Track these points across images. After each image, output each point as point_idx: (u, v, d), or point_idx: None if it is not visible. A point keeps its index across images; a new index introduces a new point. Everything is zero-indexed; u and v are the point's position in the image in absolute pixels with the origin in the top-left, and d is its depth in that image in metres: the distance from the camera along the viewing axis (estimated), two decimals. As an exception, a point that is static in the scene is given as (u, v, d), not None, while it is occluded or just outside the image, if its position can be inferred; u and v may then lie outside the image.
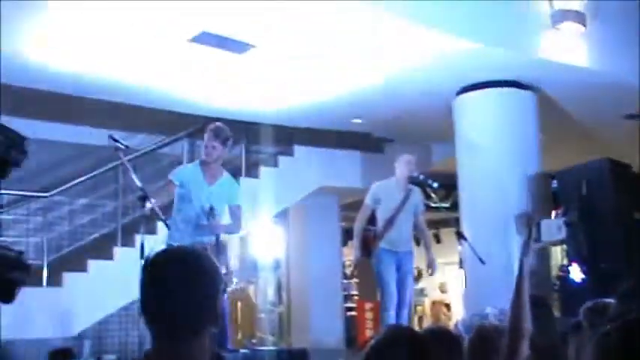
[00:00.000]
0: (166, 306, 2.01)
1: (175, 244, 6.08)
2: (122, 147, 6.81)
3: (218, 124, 6.60)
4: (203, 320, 2.05)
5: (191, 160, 11.08)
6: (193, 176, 6.53)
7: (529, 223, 3.18)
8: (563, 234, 2.78)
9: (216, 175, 6.57)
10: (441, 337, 3.34)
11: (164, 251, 2.18)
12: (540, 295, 4.74)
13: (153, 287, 2.06)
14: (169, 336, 2.02)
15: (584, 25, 8.25)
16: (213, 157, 6.47)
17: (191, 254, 2.13)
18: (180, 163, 10.64)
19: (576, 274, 7.93)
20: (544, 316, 4.03)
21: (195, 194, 6.44)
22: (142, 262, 2.13)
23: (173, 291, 2.01)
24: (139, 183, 6.60)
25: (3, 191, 8.91)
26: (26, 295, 8.16)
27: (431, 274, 8.16)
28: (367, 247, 7.78)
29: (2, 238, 8.78)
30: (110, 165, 9.84)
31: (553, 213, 8.53)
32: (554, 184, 8.59)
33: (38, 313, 8.24)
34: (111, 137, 6.78)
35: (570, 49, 8.37)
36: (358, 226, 7.78)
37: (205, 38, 7.51)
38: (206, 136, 6.49)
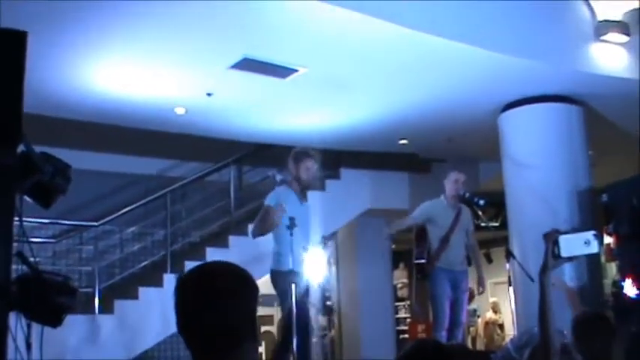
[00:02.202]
0: (205, 320, 2.01)
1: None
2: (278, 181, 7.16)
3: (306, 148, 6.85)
4: (241, 333, 2.04)
5: (238, 186, 11.19)
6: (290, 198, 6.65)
7: (549, 239, 3.12)
8: (594, 248, 2.72)
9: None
10: (468, 353, 3.33)
11: (199, 267, 2.16)
12: (597, 311, 4.67)
13: (191, 302, 2.04)
14: (208, 350, 2.01)
15: (628, 35, 8.16)
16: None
17: (228, 269, 2.12)
18: (227, 190, 10.75)
19: (630, 289, 7.79)
20: (604, 331, 3.98)
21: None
22: (177, 281, 2.11)
23: (208, 304, 2.01)
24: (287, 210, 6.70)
25: (55, 221, 9.08)
26: (79, 322, 8.34)
27: (481, 293, 8.09)
28: (422, 269, 7.74)
29: (56, 267, 8.94)
30: (158, 193, 9.99)
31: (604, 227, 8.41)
32: (605, 198, 8.45)
33: (90, 339, 8.35)
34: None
35: (615, 60, 8.28)
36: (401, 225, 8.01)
37: (247, 64, 7.56)
38: (309, 160, 6.70)
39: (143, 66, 7.69)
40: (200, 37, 6.96)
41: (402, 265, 16.34)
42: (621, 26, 8.13)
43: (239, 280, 2.09)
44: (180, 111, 8.95)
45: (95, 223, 9.49)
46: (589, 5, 8.21)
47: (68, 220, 9.30)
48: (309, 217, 6.77)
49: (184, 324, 2.05)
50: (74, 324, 7.80)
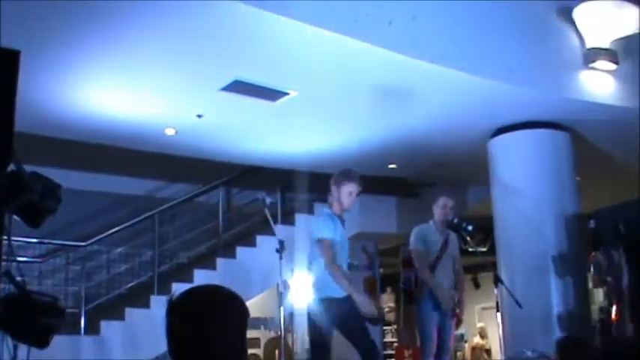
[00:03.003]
0: (195, 346, 2.00)
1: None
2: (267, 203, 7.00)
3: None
4: (230, 357, 2.04)
5: (227, 208, 11.18)
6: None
7: None
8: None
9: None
10: None
11: (190, 291, 2.16)
12: (577, 336, 4.71)
13: (181, 328, 2.04)
14: None
15: (617, 63, 8.23)
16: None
17: (219, 294, 2.12)
18: (216, 211, 10.74)
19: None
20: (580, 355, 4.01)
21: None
22: (168, 304, 2.10)
23: (198, 327, 2.01)
24: (277, 233, 6.74)
25: (43, 240, 9.05)
26: (64, 343, 8.26)
27: (458, 317, 7.96)
28: (410, 294, 7.69)
29: (42, 287, 8.89)
30: (147, 214, 9.97)
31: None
32: (592, 224, 8.48)
33: (76, 361, 8.30)
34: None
35: (603, 88, 8.34)
36: (425, 273, 7.26)
37: (237, 86, 7.58)
38: (352, 184, 6.36)
39: (134, 87, 7.69)
40: (191, 59, 6.97)
41: (389, 290, 16.31)
42: (610, 54, 8.20)
43: (230, 306, 2.09)
44: (170, 132, 8.95)
45: (83, 243, 9.47)
46: (578, 33, 8.28)
47: (56, 239, 9.27)
48: (347, 239, 6.51)
49: (174, 348, 2.04)
50: (59, 345, 7.72)
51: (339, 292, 6.16)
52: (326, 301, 6.22)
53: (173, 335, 2.05)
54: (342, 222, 6.43)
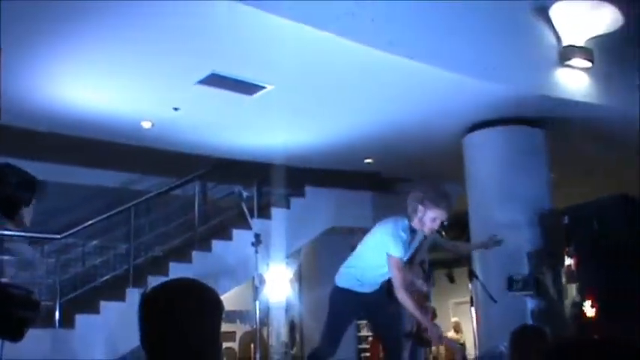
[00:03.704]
0: (169, 340, 2.00)
1: None
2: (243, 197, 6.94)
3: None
4: (204, 354, 2.03)
5: (203, 201, 11.16)
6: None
7: None
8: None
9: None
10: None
11: (165, 285, 2.16)
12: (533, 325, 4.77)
13: (155, 322, 2.04)
14: None
15: (592, 61, 8.30)
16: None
17: (194, 287, 2.12)
18: (192, 205, 10.71)
19: (590, 310, 7.88)
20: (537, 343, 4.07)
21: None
22: (141, 297, 2.09)
23: (173, 321, 2.01)
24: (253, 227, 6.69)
25: (17, 233, 8.97)
26: (39, 336, 8.21)
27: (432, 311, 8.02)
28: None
29: (16, 280, 8.82)
30: (123, 207, 9.92)
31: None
32: (565, 220, 8.54)
33: (50, 355, 8.24)
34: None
35: (578, 85, 8.41)
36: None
37: (214, 80, 7.57)
38: (440, 211, 5.72)
39: (111, 80, 7.65)
40: (169, 51, 6.95)
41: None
42: (585, 52, 8.27)
43: (205, 300, 2.09)
44: (146, 125, 8.92)
45: (58, 236, 9.40)
46: (555, 30, 8.33)
47: (30, 231, 9.19)
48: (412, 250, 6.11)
49: (148, 342, 2.04)
50: (33, 338, 7.64)
51: (364, 288, 6.12)
52: (346, 291, 6.13)
53: (146, 329, 2.04)
54: (414, 236, 5.96)
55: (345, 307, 6.18)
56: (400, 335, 6.60)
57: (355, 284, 6.11)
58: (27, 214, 3.52)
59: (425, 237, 7.05)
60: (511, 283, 8.36)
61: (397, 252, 5.75)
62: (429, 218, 5.73)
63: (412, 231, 5.87)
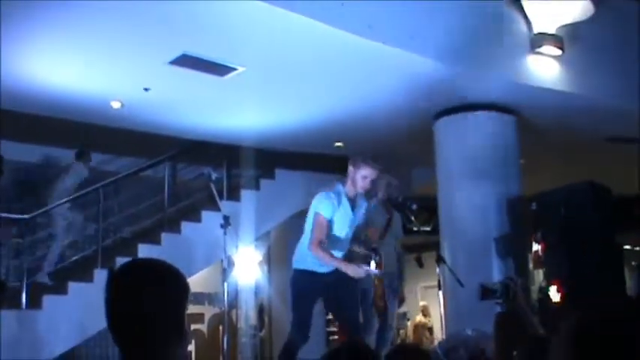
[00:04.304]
0: (133, 317, 2.01)
1: None
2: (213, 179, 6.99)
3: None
4: (169, 332, 2.04)
5: (172, 183, 11.12)
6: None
7: None
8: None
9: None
10: (407, 353, 3.39)
11: (129, 264, 2.17)
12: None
13: (120, 299, 2.04)
14: (136, 348, 2.01)
15: (563, 49, 8.36)
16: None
17: (158, 266, 2.12)
18: (161, 186, 10.67)
19: (555, 295, 7.98)
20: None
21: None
22: (107, 277, 2.09)
23: (137, 302, 2.01)
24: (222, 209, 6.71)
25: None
26: (5, 317, 8.16)
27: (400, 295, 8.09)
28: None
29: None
30: (91, 187, 9.86)
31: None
32: (534, 206, 8.62)
33: (18, 335, 8.19)
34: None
35: (549, 73, 8.47)
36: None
37: (186, 60, 7.53)
38: (368, 168, 6.17)
39: (80, 58, 7.58)
40: (140, 31, 6.90)
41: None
42: (556, 39, 8.33)
43: (169, 279, 2.09)
44: (116, 105, 8.85)
45: (26, 216, 9.33)
46: (526, 17, 8.38)
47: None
48: (355, 221, 6.44)
49: (113, 323, 2.04)
50: (0, 319, 7.63)
51: (322, 268, 6.20)
52: (305, 273, 6.26)
53: (112, 309, 2.04)
54: (353, 205, 6.34)
55: (306, 288, 6.26)
56: (357, 315, 6.69)
57: (311, 264, 6.22)
58: None
59: (372, 207, 7.13)
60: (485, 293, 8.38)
61: (323, 210, 6.14)
62: (360, 176, 6.16)
63: (344, 197, 6.22)
